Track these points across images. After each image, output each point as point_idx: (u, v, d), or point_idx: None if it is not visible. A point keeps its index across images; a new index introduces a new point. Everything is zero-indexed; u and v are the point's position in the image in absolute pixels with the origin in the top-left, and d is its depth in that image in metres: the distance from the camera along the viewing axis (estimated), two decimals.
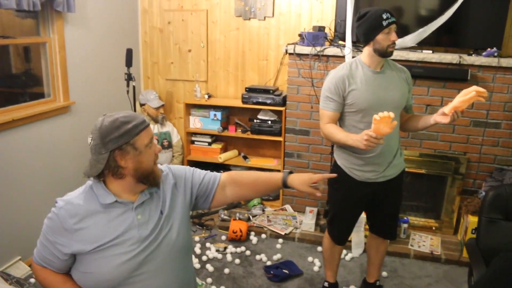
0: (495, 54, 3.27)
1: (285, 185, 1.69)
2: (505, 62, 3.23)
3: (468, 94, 2.09)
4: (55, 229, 1.47)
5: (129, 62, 3.69)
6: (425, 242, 3.50)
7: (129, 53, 3.69)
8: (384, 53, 2.30)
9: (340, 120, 2.44)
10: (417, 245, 3.45)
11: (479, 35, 3.38)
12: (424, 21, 3.36)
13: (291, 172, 1.70)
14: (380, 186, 2.47)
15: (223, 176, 1.74)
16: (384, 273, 3.13)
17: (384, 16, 2.24)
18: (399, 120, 2.44)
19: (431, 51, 3.41)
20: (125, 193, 1.50)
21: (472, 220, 3.19)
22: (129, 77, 3.71)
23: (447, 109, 2.16)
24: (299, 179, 1.66)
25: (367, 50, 2.34)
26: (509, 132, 3.37)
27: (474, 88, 2.08)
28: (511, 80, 3.28)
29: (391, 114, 2.00)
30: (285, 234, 3.58)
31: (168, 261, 1.55)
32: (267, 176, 1.72)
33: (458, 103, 2.12)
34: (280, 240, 3.54)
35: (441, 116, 2.22)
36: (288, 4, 3.86)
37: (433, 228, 3.66)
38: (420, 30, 3.36)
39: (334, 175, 1.90)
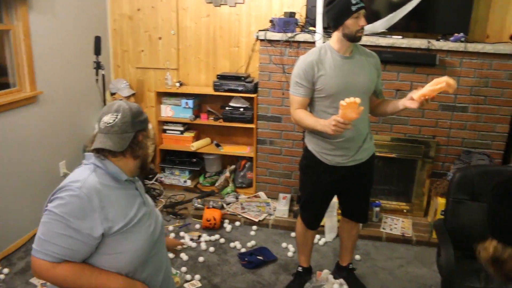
0: (462, 39, 3.32)
1: None
2: (472, 47, 3.29)
3: (438, 84, 2.11)
4: (79, 213, 1.40)
5: (97, 50, 3.62)
6: (396, 225, 3.57)
7: (98, 41, 3.61)
8: (353, 38, 2.31)
9: (310, 105, 2.45)
10: (389, 228, 3.51)
11: (446, 21, 3.43)
12: (394, 7, 3.38)
13: None
14: (351, 170, 2.49)
15: None
16: (357, 256, 3.19)
17: (353, 1, 2.24)
18: (367, 105, 2.46)
19: (401, 37, 3.44)
20: (129, 173, 1.58)
21: (441, 202, 3.26)
22: (98, 66, 3.64)
23: (416, 95, 2.19)
24: (167, 242, 1.92)
25: (336, 35, 2.35)
26: (475, 116, 3.45)
27: (445, 79, 2.10)
28: (477, 64, 3.34)
29: (357, 100, 2.03)
30: (259, 221, 3.59)
31: (163, 237, 1.75)
32: None
33: (427, 91, 2.14)
34: (254, 227, 3.55)
35: (410, 101, 2.25)
36: None
37: (404, 211, 3.73)
38: (390, 15, 3.38)
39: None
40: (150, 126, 4.07)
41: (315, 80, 2.34)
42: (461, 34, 3.33)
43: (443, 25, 3.45)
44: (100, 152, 1.51)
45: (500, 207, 1.27)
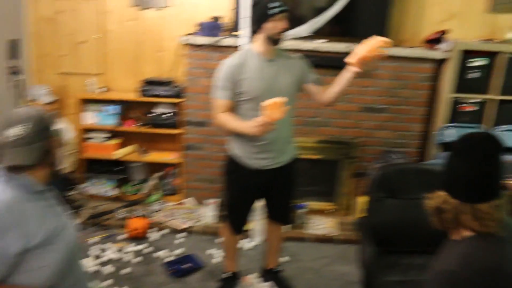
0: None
1: None
2: (393, 51, 3.40)
3: (375, 46, 2.20)
4: None
5: (13, 54, 3.42)
6: (322, 225, 3.64)
7: (13, 44, 3.42)
8: (273, 41, 2.34)
9: (234, 109, 2.43)
10: (315, 229, 3.58)
11: (366, 26, 3.55)
12: (318, 12, 3.46)
13: None
14: (274, 172, 2.51)
15: None
16: (285, 258, 3.20)
17: (271, 5, 2.28)
18: (291, 108, 2.47)
19: (324, 41, 3.52)
20: (44, 183, 1.51)
21: (364, 201, 3.36)
22: (15, 71, 3.43)
23: (354, 60, 2.25)
24: None
25: (259, 38, 2.37)
26: (393, 116, 3.61)
27: (381, 39, 2.19)
28: (394, 67, 3.50)
29: (280, 100, 2.07)
30: (186, 228, 3.53)
31: (79, 249, 1.67)
32: None
33: (366, 53, 2.21)
34: (182, 235, 3.48)
35: (354, 68, 2.29)
36: None
37: (330, 211, 3.81)
38: (314, 20, 3.46)
39: None
40: (71, 134, 3.90)
41: (239, 83, 2.34)
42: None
43: (364, 30, 3.54)
44: (13, 168, 1.40)
45: (454, 161, 1.39)
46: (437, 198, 1.40)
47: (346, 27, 3.62)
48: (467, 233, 1.38)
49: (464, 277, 1.29)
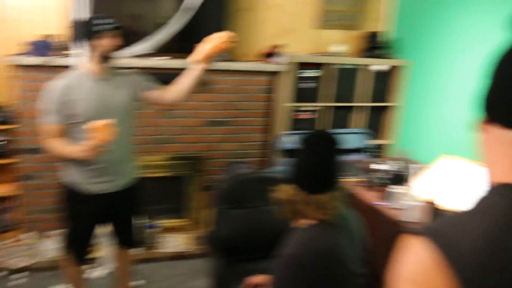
0: (224, 58, 3.57)
1: None
2: (232, 65, 3.58)
3: (218, 43, 2.33)
4: None
5: None
6: (175, 242, 3.63)
7: None
8: (103, 59, 2.28)
9: (66, 132, 2.31)
10: (168, 247, 3.56)
11: None
12: (159, 29, 3.45)
13: None
14: (115, 196, 2.45)
15: None
16: (139, 281, 3.12)
17: (100, 22, 2.24)
18: (128, 126, 2.42)
19: (168, 58, 3.51)
20: None
21: (212, 213, 3.44)
22: None
23: (200, 58, 2.36)
24: None
25: (89, 56, 2.29)
26: (235, 128, 3.75)
27: (222, 35, 2.33)
28: (233, 81, 3.65)
29: (109, 121, 2.00)
30: (26, 266, 3.24)
31: None
32: None
33: (210, 50, 2.34)
34: (21, 274, 3.18)
35: (201, 65, 2.39)
36: (14, 10, 3.43)
37: (183, 227, 3.81)
38: (154, 37, 3.44)
39: None
40: None
41: (69, 105, 2.23)
42: (224, 54, 3.58)
43: None
44: None
45: (301, 157, 1.53)
46: (287, 191, 1.52)
47: (187, 44, 3.66)
48: (310, 221, 1.52)
49: (304, 260, 1.43)
